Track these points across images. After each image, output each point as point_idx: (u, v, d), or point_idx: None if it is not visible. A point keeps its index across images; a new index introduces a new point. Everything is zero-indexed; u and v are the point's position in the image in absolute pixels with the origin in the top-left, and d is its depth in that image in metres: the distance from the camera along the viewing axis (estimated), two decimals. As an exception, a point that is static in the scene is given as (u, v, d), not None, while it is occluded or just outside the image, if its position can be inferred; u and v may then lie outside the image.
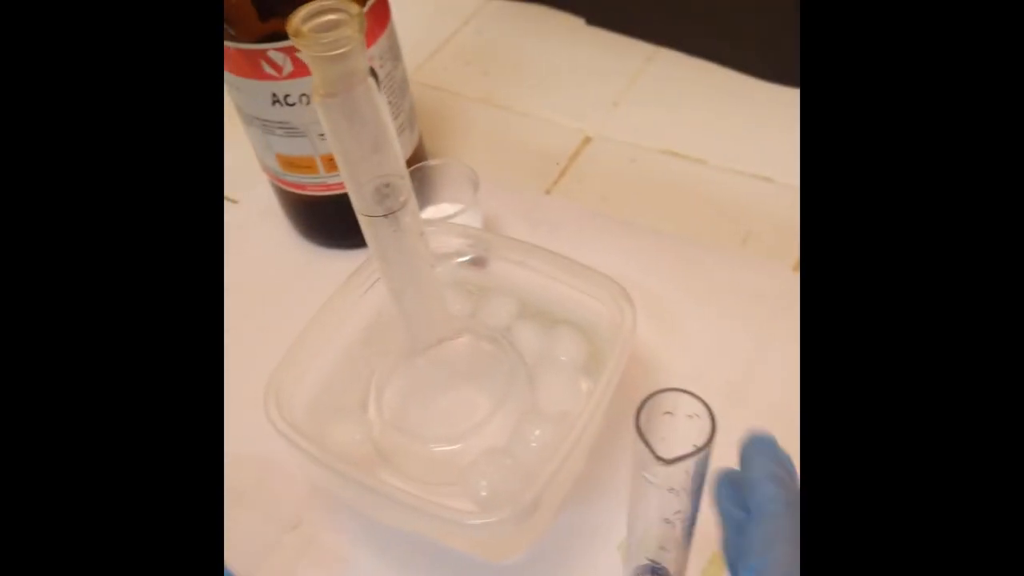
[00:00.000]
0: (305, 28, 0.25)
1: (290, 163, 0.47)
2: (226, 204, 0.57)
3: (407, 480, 0.38)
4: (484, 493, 0.36)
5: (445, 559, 0.38)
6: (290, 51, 0.41)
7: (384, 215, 0.29)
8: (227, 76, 0.44)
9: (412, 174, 0.47)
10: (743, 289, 0.47)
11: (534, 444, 0.37)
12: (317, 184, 0.47)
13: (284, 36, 0.40)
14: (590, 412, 0.34)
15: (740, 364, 0.44)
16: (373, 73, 0.26)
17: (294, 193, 0.49)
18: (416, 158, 0.51)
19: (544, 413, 0.38)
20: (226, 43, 0.41)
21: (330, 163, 0.46)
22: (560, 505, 0.38)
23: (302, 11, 0.25)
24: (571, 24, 0.65)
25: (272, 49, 0.41)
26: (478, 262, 0.45)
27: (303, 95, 0.43)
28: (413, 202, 0.29)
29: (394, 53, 0.46)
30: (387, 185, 0.28)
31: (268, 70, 0.42)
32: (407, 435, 0.39)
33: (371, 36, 0.43)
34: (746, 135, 0.55)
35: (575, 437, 0.33)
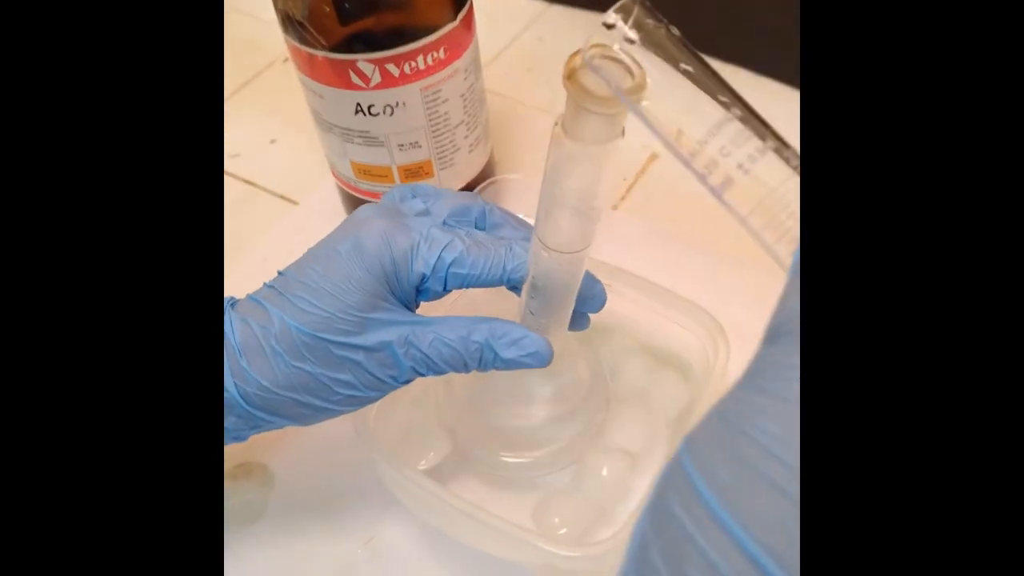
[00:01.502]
0: (588, 83, 0.23)
1: (365, 171, 0.46)
2: (286, 206, 0.57)
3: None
4: (563, 531, 0.36)
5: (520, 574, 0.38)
6: (379, 63, 0.40)
7: (563, 252, 0.29)
8: (310, 83, 0.43)
9: (490, 185, 0.47)
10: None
11: (605, 475, 0.38)
12: (390, 193, 0.47)
13: (365, 43, 0.40)
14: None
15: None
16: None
17: (365, 200, 0.48)
18: (487, 168, 0.51)
19: (619, 447, 0.39)
20: (314, 51, 0.41)
21: (406, 174, 0.46)
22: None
23: (588, 51, 0.23)
24: (633, 34, 0.65)
25: (363, 60, 0.40)
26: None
27: (387, 106, 0.42)
28: (590, 248, 0.29)
29: (477, 64, 0.46)
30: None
31: (356, 80, 0.41)
32: (483, 441, 0.39)
33: (462, 47, 0.43)
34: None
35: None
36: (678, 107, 0.22)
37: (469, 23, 0.44)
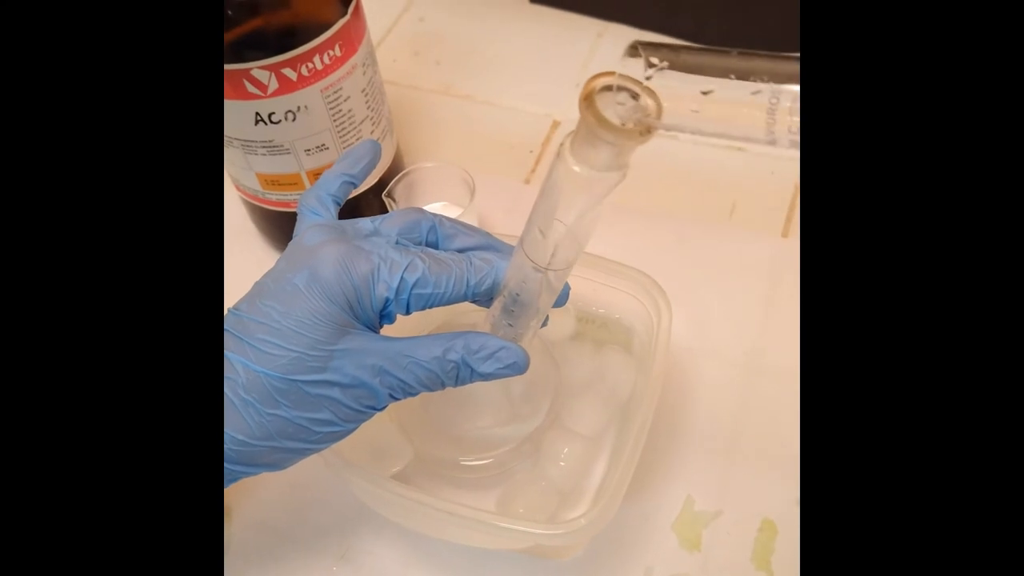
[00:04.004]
0: (608, 113, 0.22)
1: (273, 181, 0.45)
2: (188, 227, 0.54)
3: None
4: (522, 510, 0.37)
5: (504, 562, 0.38)
6: (275, 68, 0.39)
7: (554, 270, 0.28)
8: (201, 98, 0.41)
9: (404, 177, 0.46)
10: (739, 260, 0.48)
11: (563, 463, 0.38)
12: (302, 200, 0.45)
13: (257, 49, 0.38)
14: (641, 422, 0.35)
15: (752, 334, 0.45)
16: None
17: (277, 212, 0.47)
18: (397, 160, 0.50)
19: (572, 431, 0.39)
20: (202, 64, 0.39)
21: (316, 178, 0.44)
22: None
23: (605, 79, 0.23)
24: (514, 4, 0.65)
25: (256, 67, 0.38)
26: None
27: (289, 112, 0.41)
28: (571, 267, 0.29)
29: (372, 56, 0.44)
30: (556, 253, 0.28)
31: (252, 89, 0.39)
32: (442, 447, 0.39)
33: (356, 41, 0.42)
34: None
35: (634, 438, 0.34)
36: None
37: (359, 15, 0.42)
